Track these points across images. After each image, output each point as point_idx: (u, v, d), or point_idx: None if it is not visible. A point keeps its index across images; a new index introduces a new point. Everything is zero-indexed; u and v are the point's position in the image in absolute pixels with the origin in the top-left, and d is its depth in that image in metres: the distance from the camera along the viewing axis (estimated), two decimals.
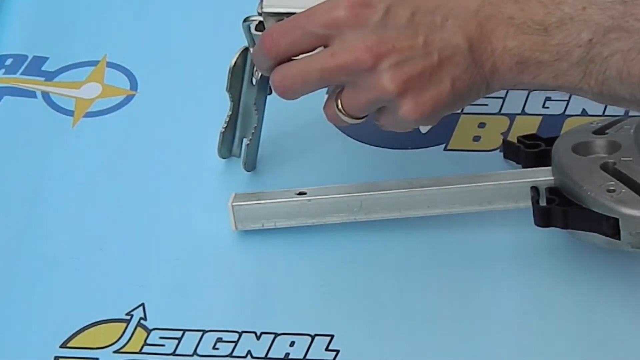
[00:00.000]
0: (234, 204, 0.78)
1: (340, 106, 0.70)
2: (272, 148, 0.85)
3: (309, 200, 0.77)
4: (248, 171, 0.83)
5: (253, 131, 0.81)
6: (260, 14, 0.73)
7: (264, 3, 0.73)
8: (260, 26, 0.74)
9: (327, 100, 0.72)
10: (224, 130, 0.81)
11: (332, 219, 0.78)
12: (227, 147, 0.83)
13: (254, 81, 0.79)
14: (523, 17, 0.67)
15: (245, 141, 0.82)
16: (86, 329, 0.77)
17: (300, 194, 0.78)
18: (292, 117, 0.86)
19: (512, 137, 0.84)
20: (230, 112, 0.81)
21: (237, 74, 0.79)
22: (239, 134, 0.83)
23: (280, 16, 0.72)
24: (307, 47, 0.69)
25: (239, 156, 0.83)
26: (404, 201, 0.77)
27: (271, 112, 0.82)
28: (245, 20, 0.75)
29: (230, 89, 0.80)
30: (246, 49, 0.78)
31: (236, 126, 0.82)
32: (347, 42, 0.67)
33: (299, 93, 0.70)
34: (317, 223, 0.78)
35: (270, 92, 0.78)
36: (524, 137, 0.82)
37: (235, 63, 0.79)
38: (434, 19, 0.66)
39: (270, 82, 0.71)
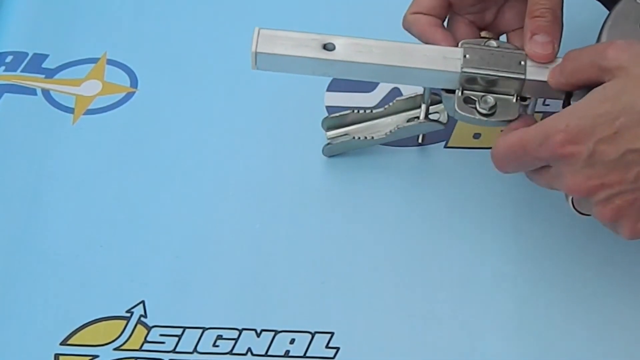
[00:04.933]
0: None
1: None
2: None
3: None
4: (326, 156, 0.84)
5: (370, 139, 0.82)
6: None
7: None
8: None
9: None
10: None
11: None
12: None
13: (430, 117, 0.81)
14: None
15: (355, 137, 0.82)
16: (86, 326, 0.77)
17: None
18: None
19: None
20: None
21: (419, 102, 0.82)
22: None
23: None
24: (530, 168, 0.71)
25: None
26: None
27: None
28: None
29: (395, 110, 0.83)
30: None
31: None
32: (561, 174, 0.68)
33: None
34: None
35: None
36: None
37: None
38: None
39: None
